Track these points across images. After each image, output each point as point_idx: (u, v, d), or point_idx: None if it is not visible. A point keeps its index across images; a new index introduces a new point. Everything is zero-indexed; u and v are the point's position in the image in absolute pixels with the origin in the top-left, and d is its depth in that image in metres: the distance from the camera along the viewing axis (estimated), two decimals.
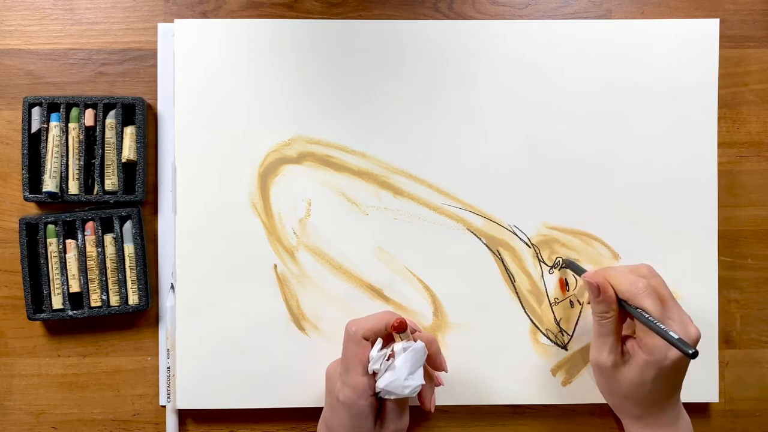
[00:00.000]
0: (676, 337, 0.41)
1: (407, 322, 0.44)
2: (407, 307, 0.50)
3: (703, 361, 0.50)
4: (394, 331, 0.43)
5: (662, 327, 0.41)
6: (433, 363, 0.46)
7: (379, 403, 0.44)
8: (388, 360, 0.42)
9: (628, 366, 0.44)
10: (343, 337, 0.44)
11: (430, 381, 0.46)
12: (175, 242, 0.49)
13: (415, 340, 0.43)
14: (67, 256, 0.49)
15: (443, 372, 0.46)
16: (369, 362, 0.43)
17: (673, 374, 0.44)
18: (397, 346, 0.43)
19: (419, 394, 0.45)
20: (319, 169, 0.50)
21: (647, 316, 0.42)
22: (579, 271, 0.48)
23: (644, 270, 0.45)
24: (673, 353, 0.42)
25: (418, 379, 0.42)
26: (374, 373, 0.43)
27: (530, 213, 0.50)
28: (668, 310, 0.43)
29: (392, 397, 0.43)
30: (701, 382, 0.50)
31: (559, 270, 0.50)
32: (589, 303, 0.48)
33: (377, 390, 0.43)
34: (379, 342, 0.43)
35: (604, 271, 0.46)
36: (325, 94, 0.50)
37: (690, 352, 0.40)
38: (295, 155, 0.50)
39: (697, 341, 0.43)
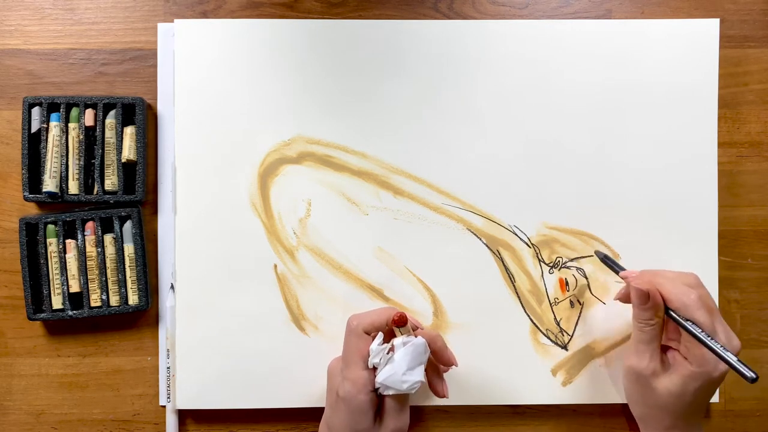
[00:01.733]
0: (735, 358, 0.39)
1: (408, 317, 0.44)
2: (407, 307, 0.50)
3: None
4: (394, 325, 0.43)
5: (718, 345, 0.40)
6: (441, 359, 0.45)
7: (380, 401, 0.44)
8: (387, 354, 0.42)
9: (668, 376, 0.43)
10: (345, 332, 0.44)
11: (438, 371, 0.46)
12: (175, 242, 0.49)
13: (416, 336, 0.43)
14: (67, 256, 0.49)
15: (454, 366, 0.46)
16: (369, 356, 0.43)
17: (714, 388, 0.44)
18: (397, 340, 0.43)
19: (430, 384, 0.45)
20: (319, 169, 0.50)
21: (701, 331, 0.41)
22: (616, 268, 0.47)
23: (692, 279, 0.44)
24: (723, 366, 0.42)
25: (417, 376, 0.42)
26: (374, 369, 0.43)
27: (530, 213, 0.50)
28: (715, 323, 0.42)
29: (391, 392, 0.43)
30: None
31: (559, 270, 0.50)
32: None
33: (377, 385, 0.43)
34: (380, 336, 0.43)
35: (651, 276, 0.45)
36: (325, 94, 0.50)
37: (751, 376, 0.38)
38: (295, 155, 0.50)
39: (739, 353, 0.42)
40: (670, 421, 0.45)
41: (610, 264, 0.48)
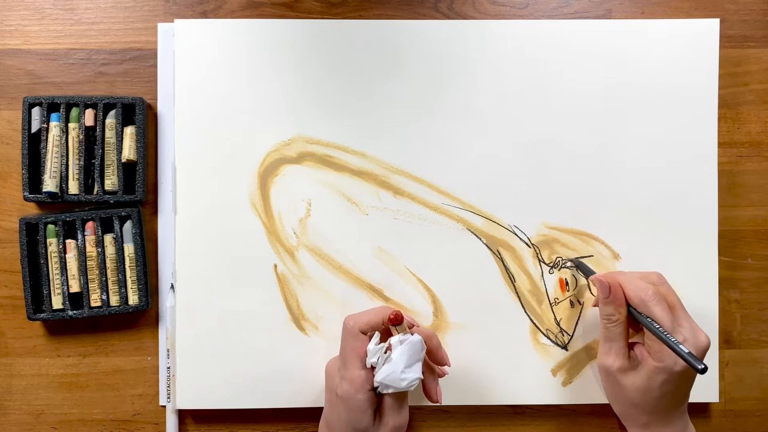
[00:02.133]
0: (687, 351, 0.41)
1: (404, 316, 0.44)
2: (407, 307, 0.50)
3: (704, 361, 0.50)
4: (391, 323, 0.43)
5: (672, 339, 0.41)
6: (434, 358, 0.45)
7: (379, 399, 0.44)
8: (385, 353, 0.42)
9: (636, 372, 0.44)
10: (342, 332, 0.44)
11: (433, 373, 0.46)
12: (175, 242, 0.49)
13: (412, 334, 0.43)
14: (67, 256, 0.49)
15: (446, 366, 0.46)
16: (367, 356, 0.43)
17: (682, 382, 0.44)
18: (394, 339, 0.43)
19: (424, 388, 0.45)
20: (319, 169, 0.50)
21: (657, 326, 0.42)
22: (587, 272, 0.48)
23: (654, 277, 0.46)
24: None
25: (415, 373, 0.42)
26: (372, 368, 0.43)
27: (530, 213, 0.50)
28: (678, 318, 0.43)
29: (390, 391, 0.43)
30: (701, 382, 0.50)
31: (559, 270, 0.50)
32: (595, 306, 0.48)
33: (375, 384, 0.43)
34: (377, 336, 0.43)
35: (615, 275, 0.46)
36: (325, 94, 0.50)
37: (700, 367, 0.39)
38: (295, 155, 0.50)
39: (706, 350, 0.43)
40: (645, 418, 0.45)
41: (583, 269, 0.49)
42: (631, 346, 0.46)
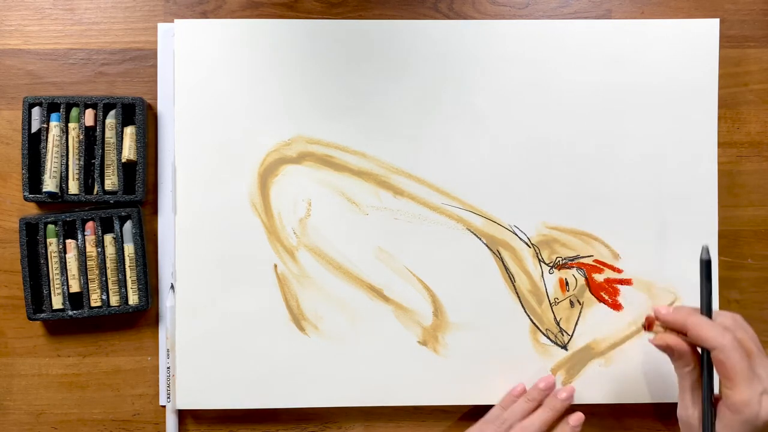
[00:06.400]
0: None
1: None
2: (407, 307, 0.50)
3: None
4: None
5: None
6: None
7: None
8: None
9: (719, 421, 0.41)
10: None
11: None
12: (175, 242, 0.49)
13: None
14: (67, 256, 0.49)
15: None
16: None
17: None
18: None
19: None
20: (319, 169, 0.50)
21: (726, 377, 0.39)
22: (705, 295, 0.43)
23: (729, 320, 0.42)
24: (766, 411, 0.39)
25: None
26: None
27: (530, 213, 0.50)
28: (754, 365, 0.40)
29: None
30: None
31: (559, 271, 0.50)
32: (585, 297, 0.48)
33: None
34: None
35: (685, 315, 0.42)
36: (325, 94, 0.50)
37: None
38: (295, 155, 0.50)
39: None
40: None
41: (704, 278, 0.43)
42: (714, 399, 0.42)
